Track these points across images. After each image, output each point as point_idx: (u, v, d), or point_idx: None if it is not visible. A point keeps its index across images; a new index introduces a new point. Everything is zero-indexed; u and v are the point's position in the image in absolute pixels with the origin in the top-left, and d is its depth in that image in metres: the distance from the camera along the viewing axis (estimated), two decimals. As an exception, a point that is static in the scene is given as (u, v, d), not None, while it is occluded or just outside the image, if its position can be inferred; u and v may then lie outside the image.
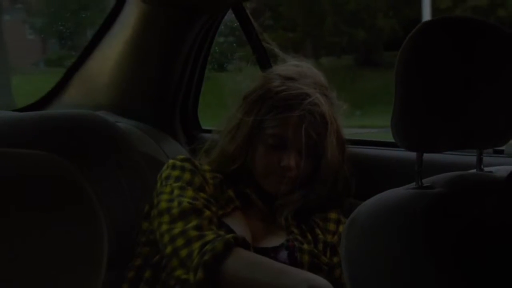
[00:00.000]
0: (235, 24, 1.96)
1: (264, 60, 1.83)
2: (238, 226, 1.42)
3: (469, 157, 1.14)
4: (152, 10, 1.85)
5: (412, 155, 0.99)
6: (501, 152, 1.58)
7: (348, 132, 1.57)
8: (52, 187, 0.66)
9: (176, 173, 1.45)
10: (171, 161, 1.49)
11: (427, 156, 0.98)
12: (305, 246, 1.42)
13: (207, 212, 1.38)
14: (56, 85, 1.97)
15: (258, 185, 1.48)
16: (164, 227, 1.38)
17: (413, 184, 0.99)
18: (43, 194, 0.65)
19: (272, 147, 1.45)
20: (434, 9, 5.55)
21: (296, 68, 1.52)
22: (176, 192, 1.41)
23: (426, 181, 0.99)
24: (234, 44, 3.10)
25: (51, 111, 1.89)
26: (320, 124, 1.44)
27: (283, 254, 1.41)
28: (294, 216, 1.49)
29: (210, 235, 1.33)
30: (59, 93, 1.97)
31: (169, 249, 1.36)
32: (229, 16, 1.97)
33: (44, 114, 1.73)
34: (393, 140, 0.99)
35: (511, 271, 0.83)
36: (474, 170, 1.08)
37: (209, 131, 1.89)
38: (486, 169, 1.07)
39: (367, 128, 4.26)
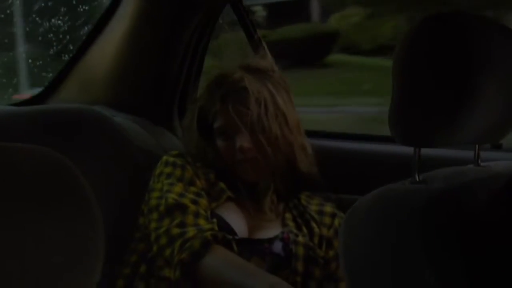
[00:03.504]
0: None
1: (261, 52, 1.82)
2: (233, 218, 1.43)
3: (467, 152, 1.14)
4: (149, 5, 1.85)
5: (410, 150, 0.99)
6: (499, 147, 1.58)
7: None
8: (48, 181, 0.66)
9: (168, 169, 1.46)
10: (164, 157, 1.51)
11: (424, 151, 0.98)
12: (300, 238, 1.43)
13: (193, 207, 1.38)
14: (53, 80, 1.97)
15: (238, 175, 1.49)
16: (153, 224, 1.40)
17: (410, 180, 0.99)
18: (39, 189, 0.65)
19: (223, 137, 1.48)
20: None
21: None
22: (165, 188, 1.42)
23: (424, 177, 0.98)
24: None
25: (47, 105, 1.89)
26: (248, 99, 1.44)
27: (278, 245, 1.41)
28: (285, 207, 1.50)
29: (191, 232, 1.33)
30: (56, 88, 1.96)
31: (155, 248, 1.37)
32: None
33: (40, 109, 1.72)
34: (390, 135, 0.99)
35: (510, 267, 0.83)
36: (472, 165, 1.08)
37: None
38: (483, 164, 1.08)
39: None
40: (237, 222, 1.42)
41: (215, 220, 1.39)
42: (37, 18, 2.55)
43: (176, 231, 1.35)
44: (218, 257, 1.31)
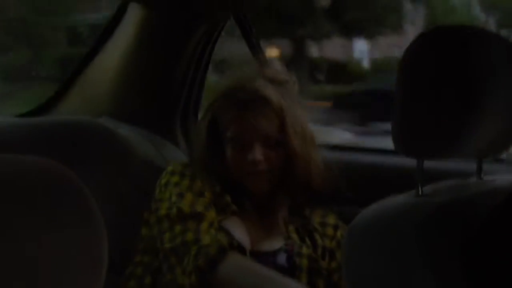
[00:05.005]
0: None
1: (265, 63, 1.83)
2: (237, 230, 1.42)
3: (469, 164, 1.13)
4: (153, 17, 1.85)
5: (412, 162, 0.99)
6: (502, 160, 1.58)
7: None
8: (52, 193, 0.66)
9: (175, 179, 1.45)
10: (170, 167, 1.49)
11: (426, 163, 0.98)
12: (304, 250, 1.42)
13: (207, 216, 1.38)
14: (57, 92, 1.97)
15: (245, 187, 1.47)
16: (165, 235, 1.38)
17: (413, 192, 0.99)
18: (42, 200, 0.65)
19: (236, 148, 1.44)
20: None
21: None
22: (174, 198, 1.41)
23: (426, 189, 0.98)
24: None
25: (50, 117, 1.89)
26: (268, 110, 1.41)
27: (282, 257, 1.41)
28: (290, 221, 1.49)
29: (206, 239, 1.33)
30: (60, 99, 1.97)
31: (173, 260, 1.36)
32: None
33: (43, 121, 1.73)
34: (392, 147, 0.99)
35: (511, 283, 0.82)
36: (474, 179, 1.07)
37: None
38: (485, 177, 1.07)
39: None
40: (241, 235, 1.42)
41: (223, 233, 1.38)
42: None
43: (191, 237, 1.34)
44: (235, 264, 1.30)
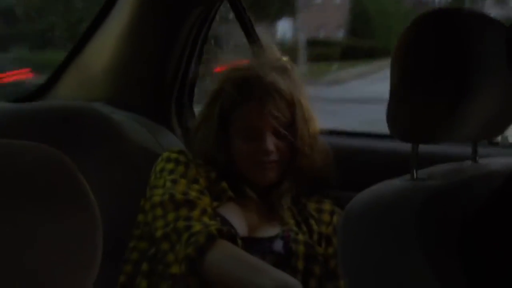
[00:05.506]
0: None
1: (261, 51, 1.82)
2: (234, 217, 1.42)
3: (463, 148, 1.14)
4: (147, 1, 1.84)
5: (407, 146, 0.99)
6: (496, 143, 1.58)
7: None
8: (46, 178, 0.66)
9: (170, 166, 1.45)
10: (165, 154, 1.49)
11: (421, 147, 0.98)
12: (300, 236, 1.42)
13: (200, 203, 1.38)
14: (51, 77, 1.96)
15: (248, 178, 1.48)
16: (158, 222, 1.39)
17: (408, 176, 0.99)
18: (36, 185, 0.65)
19: (247, 138, 1.45)
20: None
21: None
22: (169, 185, 1.41)
23: (421, 173, 0.99)
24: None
25: (45, 102, 1.88)
26: (281, 102, 1.43)
27: (279, 244, 1.41)
28: (291, 208, 1.50)
29: (197, 226, 1.33)
30: (54, 85, 1.96)
31: (165, 245, 1.36)
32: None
33: (38, 106, 1.72)
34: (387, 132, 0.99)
35: (509, 266, 0.83)
36: (469, 162, 1.08)
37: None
38: (480, 160, 1.08)
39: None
40: (238, 221, 1.42)
41: (218, 218, 1.39)
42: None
43: (182, 224, 1.35)
44: (224, 252, 1.31)
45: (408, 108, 0.96)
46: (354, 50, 5.33)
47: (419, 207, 0.90)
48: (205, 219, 1.36)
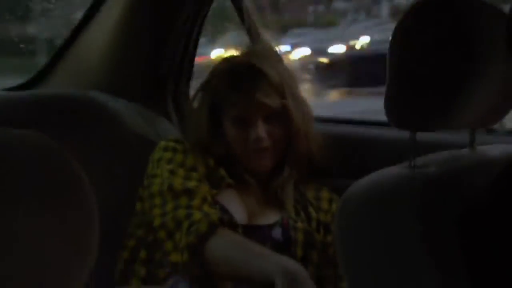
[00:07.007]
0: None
1: (257, 39, 1.81)
2: (233, 204, 1.42)
3: (461, 136, 1.13)
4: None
5: (405, 134, 0.99)
6: (494, 131, 1.58)
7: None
8: (41, 167, 0.65)
9: (168, 155, 1.45)
10: (162, 142, 1.49)
11: (420, 136, 0.98)
12: (299, 224, 1.43)
13: (199, 192, 1.38)
14: (46, 65, 1.95)
15: (245, 165, 1.48)
16: (156, 210, 1.39)
17: (405, 164, 0.99)
18: (30, 175, 0.64)
19: (238, 127, 1.45)
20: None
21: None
22: (167, 174, 1.41)
23: (419, 161, 0.98)
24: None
25: (41, 90, 1.88)
26: (271, 89, 1.43)
27: (277, 231, 1.41)
28: (293, 196, 1.50)
29: (197, 215, 1.33)
30: (49, 73, 1.94)
31: (162, 234, 1.36)
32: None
33: (33, 94, 1.71)
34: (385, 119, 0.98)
35: (509, 254, 0.82)
36: (467, 149, 1.07)
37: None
38: (478, 148, 1.07)
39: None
40: (237, 208, 1.42)
41: (217, 206, 1.38)
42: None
43: (182, 213, 1.35)
44: (225, 239, 1.31)
45: (405, 96, 0.95)
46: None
47: (418, 194, 0.90)
48: (206, 208, 1.36)
